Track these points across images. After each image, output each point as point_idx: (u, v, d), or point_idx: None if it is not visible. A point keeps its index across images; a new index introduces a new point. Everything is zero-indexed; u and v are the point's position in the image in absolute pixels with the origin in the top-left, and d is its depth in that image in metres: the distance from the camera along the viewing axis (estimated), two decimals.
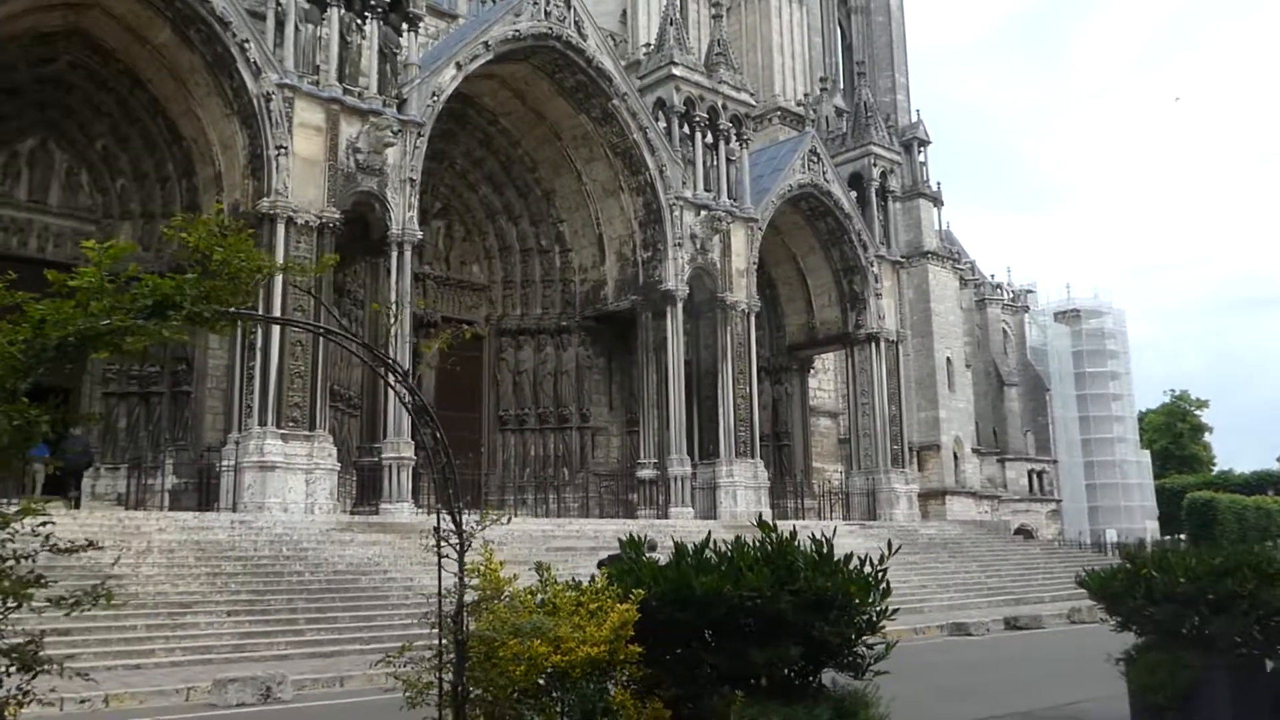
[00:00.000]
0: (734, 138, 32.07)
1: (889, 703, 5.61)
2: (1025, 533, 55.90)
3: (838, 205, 35.04)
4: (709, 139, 31.78)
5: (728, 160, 31.79)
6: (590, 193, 31.54)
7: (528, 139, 31.50)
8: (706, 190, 31.16)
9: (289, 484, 21.88)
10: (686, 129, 31.28)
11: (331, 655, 15.45)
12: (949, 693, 12.67)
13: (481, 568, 5.45)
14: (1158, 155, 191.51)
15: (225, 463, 22.34)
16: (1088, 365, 74.29)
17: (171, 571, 17.29)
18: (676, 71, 30.92)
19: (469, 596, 5.40)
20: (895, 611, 5.72)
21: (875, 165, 37.15)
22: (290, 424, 22.29)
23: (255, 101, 22.68)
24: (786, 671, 5.44)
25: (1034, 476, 63.06)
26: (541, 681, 4.87)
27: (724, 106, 31.78)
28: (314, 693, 12.85)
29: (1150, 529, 72.22)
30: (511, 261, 32.88)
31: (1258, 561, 8.35)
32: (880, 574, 5.63)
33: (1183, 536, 65.41)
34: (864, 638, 5.53)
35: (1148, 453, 77.35)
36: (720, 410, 30.69)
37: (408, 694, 4.91)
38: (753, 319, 31.89)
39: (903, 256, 51.55)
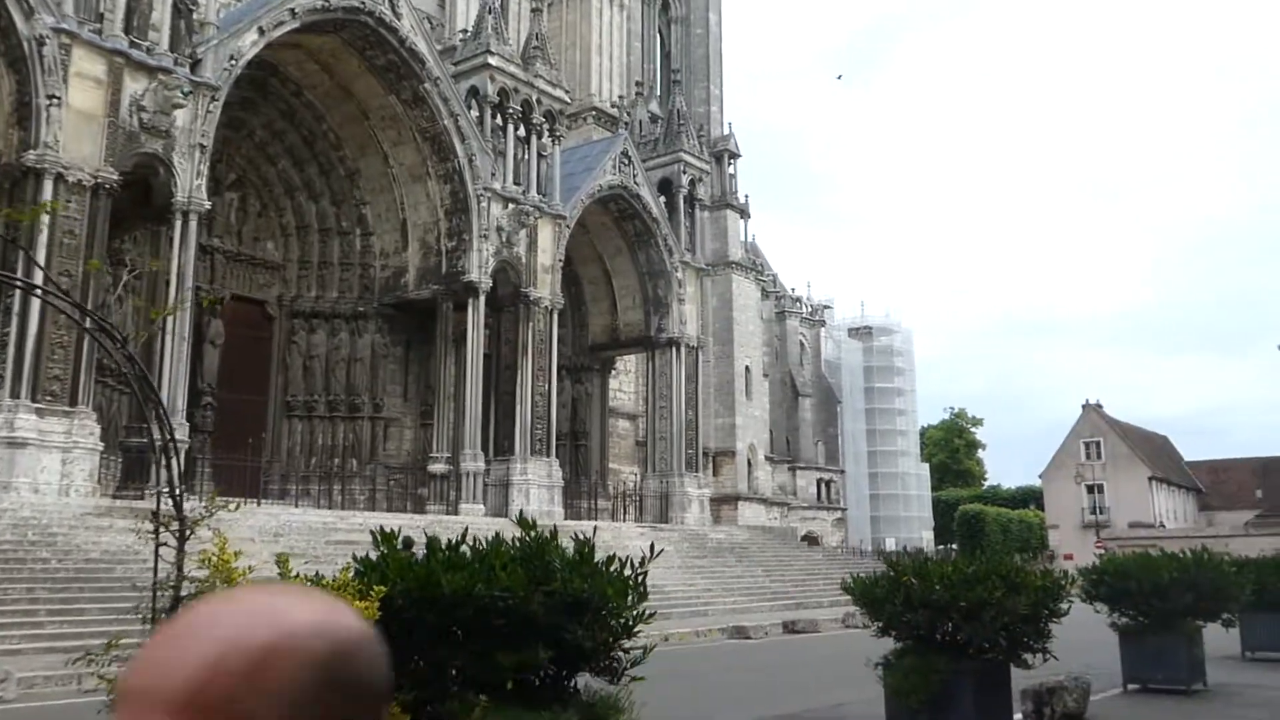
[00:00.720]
0: (547, 133, 31.82)
1: (639, 707, 5.46)
2: (812, 539, 58.02)
3: (646, 209, 35.33)
4: (521, 132, 31.39)
5: (539, 155, 31.50)
6: (397, 176, 30.59)
7: (334, 115, 30.26)
8: (516, 184, 30.77)
9: (42, 463, 20.13)
10: (499, 120, 30.80)
11: (73, 650, 14.19)
12: (719, 695, 12.81)
13: (213, 558, 4.96)
14: (955, 184, 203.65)
15: None
16: (877, 380, 77.92)
17: None
18: (492, 61, 30.40)
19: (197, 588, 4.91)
20: (652, 615, 5.57)
21: (685, 172, 37.68)
22: (48, 398, 20.52)
23: (26, 44, 20.76)
24: (538, 676, 5.21)
25: (822, 485, 65.60)
26: None
27: (538, 101, 31.48)
28: (44, 691, 11.75)
29: (926, 538, 76.45)
30: (309, 241, 31.50)
31: (1007, 570, 8.74)
32: (640, 577, 5.48)
33: (954, 546, 69.74)
34: (621, 642, 5.36)
35: (927, 466, 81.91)
36: (518, 407, 30.34)
37: (110, 695, 4.39)
38: (555, 316, 31.71)
39: (708, 264, 52.70)
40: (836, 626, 23.96)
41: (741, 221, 56.90)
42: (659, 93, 53.96)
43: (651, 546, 5.70)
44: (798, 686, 13.50)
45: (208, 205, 23.49)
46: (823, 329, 73.20)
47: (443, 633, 4.91)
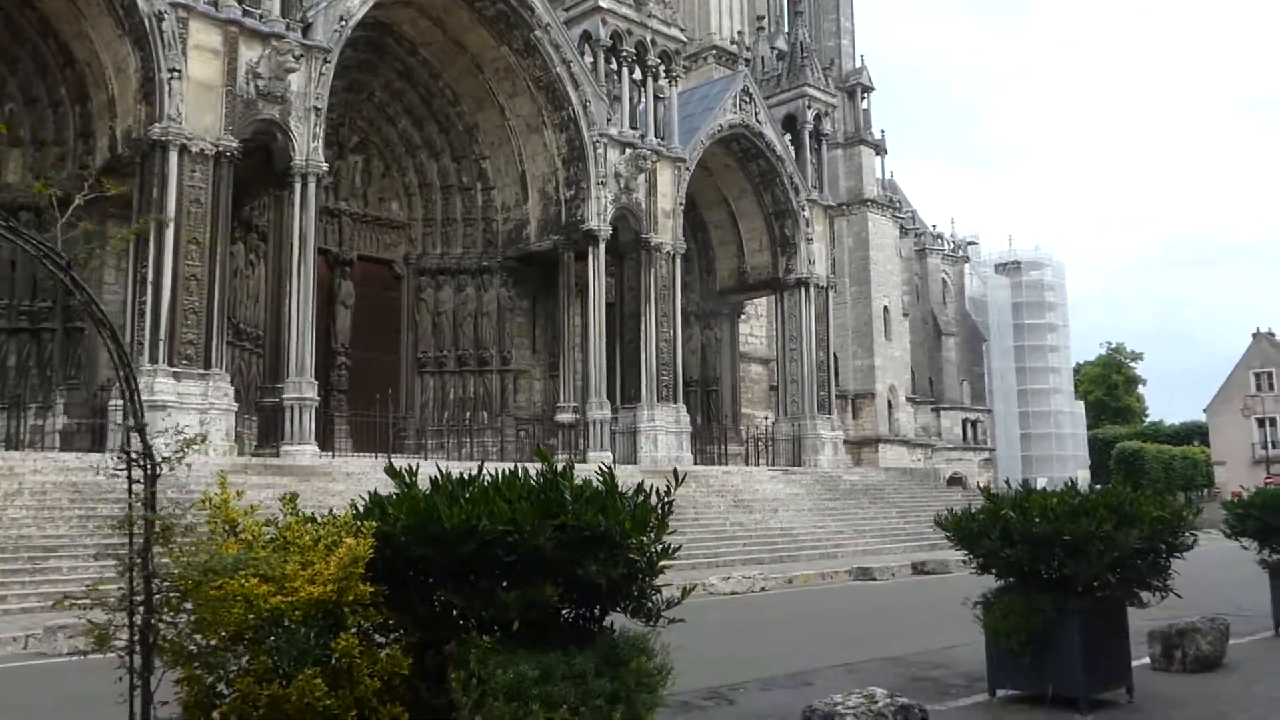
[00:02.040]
0: (663, 75, 31.22)
1: (669, 650, 5.11)
2: (958, 481, 56.37)
3: (769, 147, 34.40)
4: (637, 75, 30.90)
5: (656, 98, 30.96)
6: (513, 128, 30.59)
7: (449, 71, 30.40)
8: (633, 128, 30.33)
9: (181, 424, 20.94)
10: (614, 64, 30.37)
11: None
12: (819, 638, 12.37)
13: (214, 498, 4.84)
14: (1108, 114, 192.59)
15: (114, 402, 21.39)
16: (1026, 317, 74.82)
17: (40, 514, 16.50)
18: (603, 3, 29.90)
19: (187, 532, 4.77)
20: (677, 549, 5.19)
21: (810, 107, 36.50)
22: (184, 361, 21.37)
23: (147, 21, 21.41)
24: (555, 616, 4.93)
25: (968, 425, 63.59)
26: (258, 626, 4.29)
27: (653, 42, 30.87)
28: None
29: (1082, 478, 73.30)
30: (432, 199, 31.91)
31: (1117, 502, 8.00)
32: (663, 508, 5.10)
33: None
34: (646, 580, 5.01)
35: (1082, 403, 78.45)
36: (643, 354, 30.16)
37: (90, 641, 4.33)
38: (678, 261, 31.27)
39: (843, 204, 51.42)
40: (969, 567, 23.03)
41: (877, 158, 55.09)
42: (785, 28, 52.39)
43: (676, 473, 5.31)
44: (911, 628, 12.94)
45: (325, 167, 23.89)
46: (967, 266, 70.53)
47: (446, 571, 4.67)
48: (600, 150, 29.16)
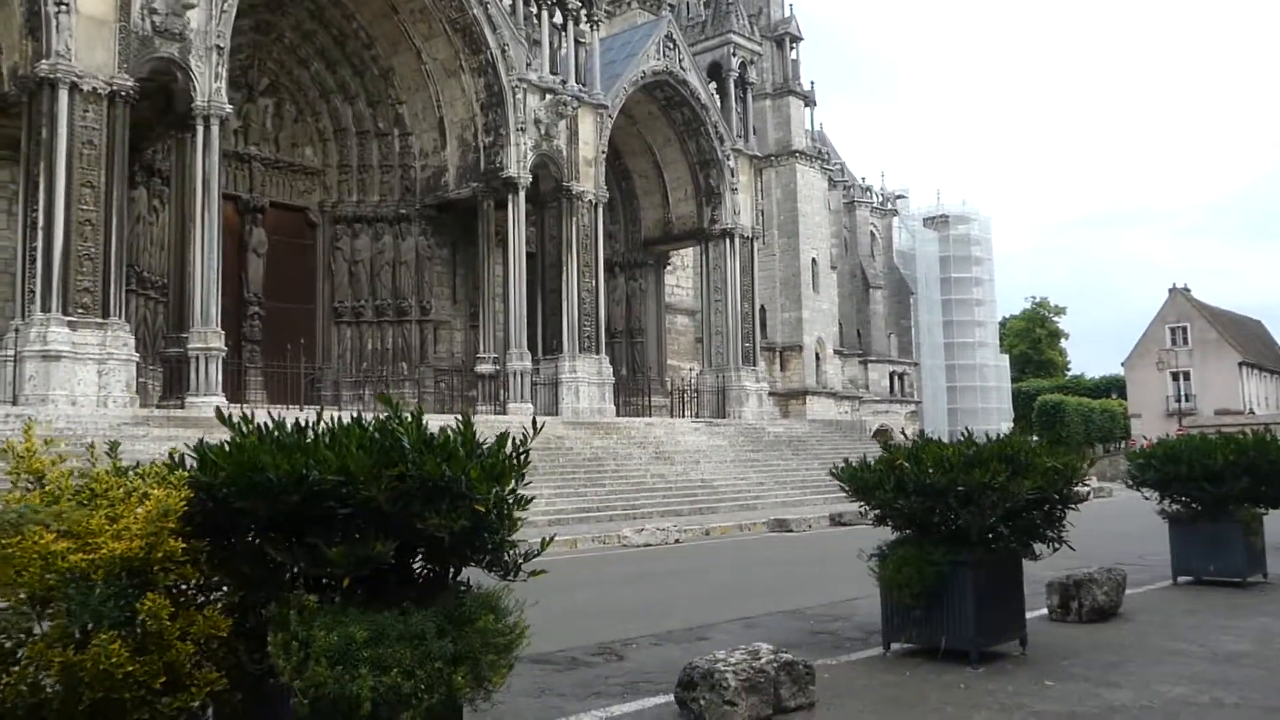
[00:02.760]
0: (584, 19, 30.47)
1: (524, 606, 4.80)
2: (884, 433, 57.03)
3: (694, 95, 33.90)
4: (558, 19, 30.11)
5: (577, 43, 30.23)
6: (430, 72, 29.68)
7: (363, 12, 29.32)
8: (553, 74, 29.61)
9: (78, 375, 20.16)
10: (533, 7, 29.55)
11: None
12: (725, 590, 12.22)
13: (18, 446, 4.35)
14: (1039, 74, 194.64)
15: (5, 352, 20.45)
16: (954, 270, 75.55)
17: None
18: None
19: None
20: (529, 501, 4.86)
21: (735, 55, 36.02)
22: (79, 310, 20.44)
23: None
24: (403, 571, 4.59)
25: (895, 378, 64.24)
26: (55, 585, 3.87)
27: None
28: None
29: (1006, 429, 74.75)
30: (347, 145, 30.94)
31: (1011, 453, 7.85)
32: (517, 458, 4.76)
33: (1034, 437, 68.03)
34: (501, 533, 4.67)
35: (1006, 357, 79.74)
36: (564, 304, 29.72)
37: None
38: (600, 210, 30.77)
39: (771, 155, 51.18)
40: (866, 519, 23.20)
41: (806, 109, 54.82)
42: None
43: (534, 422, 4.96)
44: (818, 580, 12.84)
45: (229, 109, 22.89)
46: (895, 219, 70.89)
47: (272, 525, 4.29)
48: (519, 96, 28.44)
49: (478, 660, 4.40)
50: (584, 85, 30.26)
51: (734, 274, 35.12)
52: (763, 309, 52.29)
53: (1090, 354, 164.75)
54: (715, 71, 35.97)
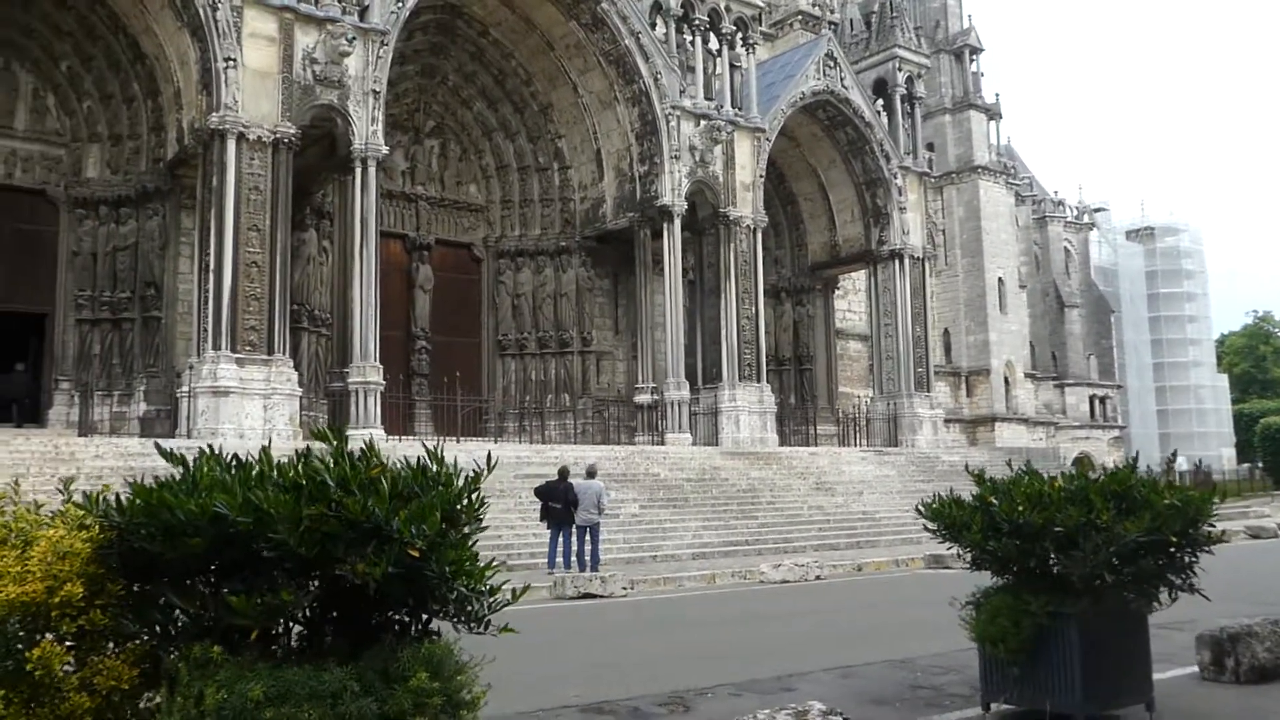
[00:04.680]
0: (739, 42, 30.08)
1: (481, 665, 4.36)
2: (1084, 461, 53.44)
3: (857, 113, 32.87)
4: (713, 45, 29.84)
5: (732, 66, 29.86)
6: (587, 105, 29.96)
7: (520, 50, 29.94)
8: (708, 99, 29.33)
9: (245, 409, 21.16)
10: (687, 34, 29.38)
11: None
12: (843, 633, 11.35)
13: None
14: (1247, 67, 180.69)
15: (182, 389, 21.74)
16: (1162, 286, 70.86)
17: None
18: None
19: None
20: (477, 536, 4.39)
21: (901, 70, 34.74)
22: (247, 348, 21.49)
23: (202, 11, 21.52)
24: (353, 620, 4.26)
25: (1096, 402, 60.24)
26: None
27: (727, 8, 29.73)
28: None
29: (1227, 455, 69.01)
30: (509, 180, 31.58)
31: (1121, 488, 6.84)
32: (472, 496, 4.33)
33: (1259, 464, 62.21)
34: (447, 582, 4.25)
35: (1225, 377, 73.83)
36: (723, 332, 29.22)
37: None
38: (759, 235, 30.15)
39: (951, 172, 49.29)
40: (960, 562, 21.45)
41: (990, 123, 52.55)
42: None
43: (487, 459, 4.53)
44: (950, 624, 11.73)
45: (384, 150, 23.68)
46: (1093, 234, 66.83)
47: (184, 570, 4.02)
48: (673, 123, 28.27)
49: None
50: (739, 109, 29.83)
51: (904, 296, 33.72)
52: (946, 332, 50.23)
53: None
54: (881, 88, 34.83)
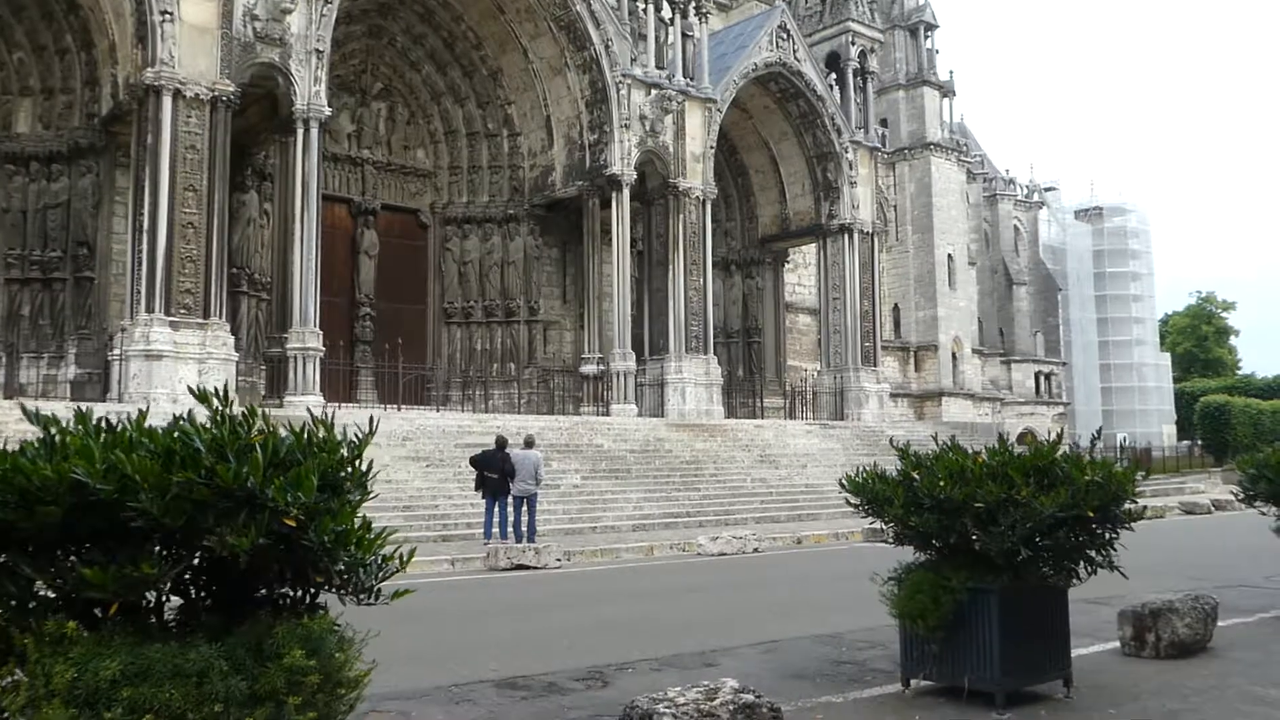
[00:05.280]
0: (692, 11, 29.76)
1: (366, 641, 4.17)
2: (1028, 436, 54.10)
3: (809, 86, 32.72)
4: (665, 13, 29.50)
5: (684, 36, 29.54)
6: (537, 71, 29.51)
7: (470, 13, 29.37)
8: (659, 68, 29.02)
9: (179, 374, 20.64)
10: (641, 1, 29.01)
11: None
12: (774, 606, 11.30)
13: None
14: (1199, 51, 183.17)
15: (114, 352, 21.20)
16: (1108, 265, 71.75)
17: None
18: None
19: None
20: (358, 505, 4.20)
21: (854, 44, 34.65)
22: (181, 310, 20.98)
23: None
24: (231, 593, 4.05)
25: (1041, 379, 61.02)
26: None
27: None
28: None
29: (1167, 433, 70.28)
30: (458, 146, 31.07)
31: (1044, 462, 6.79)
32: (355, 463, 4.13)
33: (1198, 441, 63.41)
34: (331, 551, 4.05)
35: (1168, 355, 75.07)
36: (671, 304, 29.08)
37: None
38: (708, 207, 29.99)
39: (904, 148, 49.33)
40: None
41: (943, 100, 52.62)
42: None
43: (370, 423, 4.32)
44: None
45: (328, 111, 23.15)
46: (1042, 213, 67.38)
47: (41, 540, 3.79)
48: (623, 92, 27.95)
49: (281, 703, 3.80)
50: (691, 79, 29.55)
51: (853, 270, 33.78)
52: (896, 307, 50.46)
53: (1266, 353, 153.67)
54: (834, 62, 34.71)
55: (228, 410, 4.24)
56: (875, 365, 34.32)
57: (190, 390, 4.42)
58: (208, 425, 4.18)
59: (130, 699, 3.52)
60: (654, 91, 28.51)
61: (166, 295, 20.73)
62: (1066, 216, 72.89)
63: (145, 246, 20.84)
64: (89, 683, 3.48)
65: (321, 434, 4.32)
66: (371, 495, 4.45)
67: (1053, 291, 65.55)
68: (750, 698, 5.82)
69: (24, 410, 4.24)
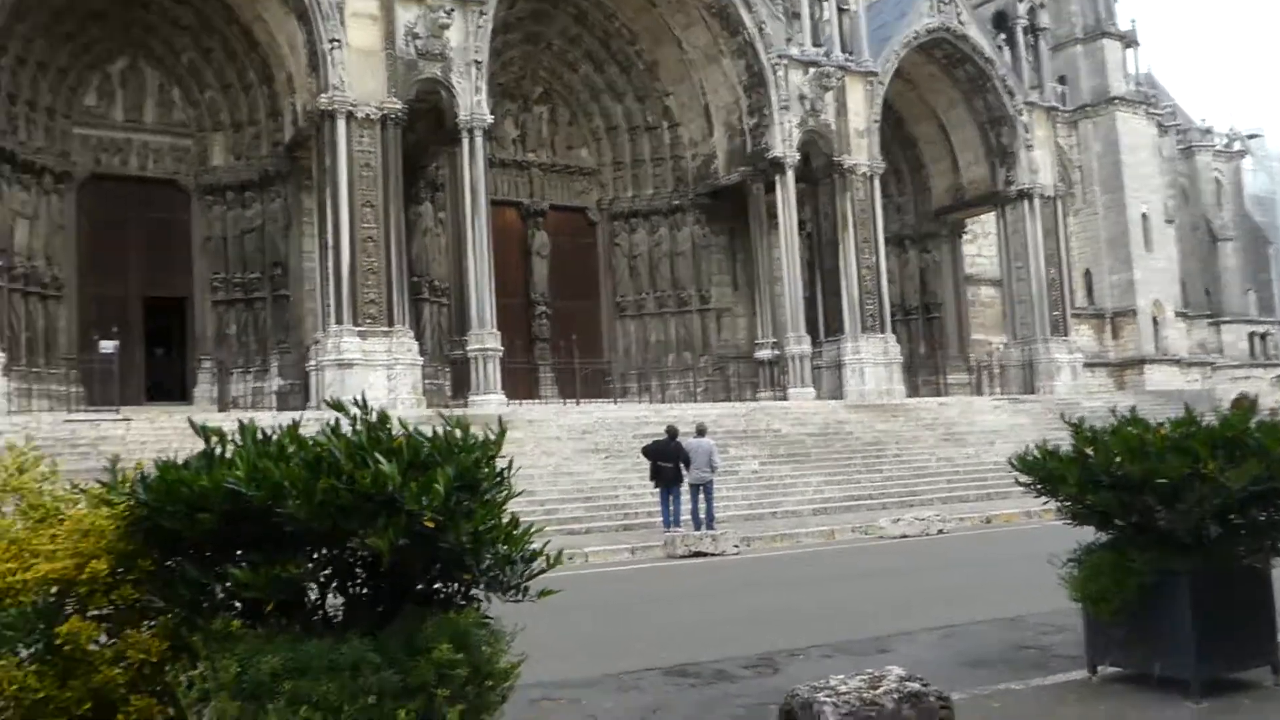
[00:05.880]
0: None
1: (515, 635, 4.26)
2: (1243, 401, 50.39)
3: (976, 49, 31.43)
4: None
5: (839, 10, 28.91)
6: (692, 60, 29.50)
7: (623, 9, 29.62)
8: (816, 45, 28.49)
9: (369, 380, 21.68)
10: None
11: None
12: (954, 590, 10.91)
13: (8, 466, 4.35)
14: None
15: (310, 362, 22.51)
16: None
17: None
18: None
19: None
20: (506, 499, 4.28)
21: (1021, 0, 33.01)
22: (367, 320, 22.06)
23: None
24: (391, 592, 4.23)
25: (1255, 340, 56.66)
26: None
27: None
28: None
29: None
30: (619, 141, 31.42)
31: (1233, 433, 6.28)
32: (487, 461, 4.22)
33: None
34: (475, 550, 4.15)
35: None
36: (843, 283, 28.55)
37: None
38: (876, 182, 29.25)
39: (1086, 105, 46.71)
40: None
41: (1126, 51, 49.56)
42: None
43: (499, 425, 4.40)
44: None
45: (490, 119, 23.82)
46: (1244, 162, 62.45)
47: (205, 545, 4.05)
48: (780, 73, 27.58)
49: (431, 696, 3.93)
50: (850, 54, 28.89)
51: (1036, 237, 32.28)
52: (1087, 273, 47.89)
53: None
54: (1001, 21, 33.23)
55: (368, 416, 4.40)
56: (1066, 335, 32.71)
57: (325, 401, 4.61)
58: (351, 432, 4.35)
59: (290, 692, 3.71)
60: (812, 70, 28.01)
61: (353, 307, 21.83)
62: (1274, 164, 67.38)
63: (331, 262, 22.00)
64: (253, 677, 3.70)
65: (458, 434, 4.44)
66: (516, 493, 4.54)
67: (1262, 245, 60.72)
68: (916, 686, 5.62)
69: (191, 424, 4.53)
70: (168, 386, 25.63)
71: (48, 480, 4.39)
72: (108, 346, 20.92)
